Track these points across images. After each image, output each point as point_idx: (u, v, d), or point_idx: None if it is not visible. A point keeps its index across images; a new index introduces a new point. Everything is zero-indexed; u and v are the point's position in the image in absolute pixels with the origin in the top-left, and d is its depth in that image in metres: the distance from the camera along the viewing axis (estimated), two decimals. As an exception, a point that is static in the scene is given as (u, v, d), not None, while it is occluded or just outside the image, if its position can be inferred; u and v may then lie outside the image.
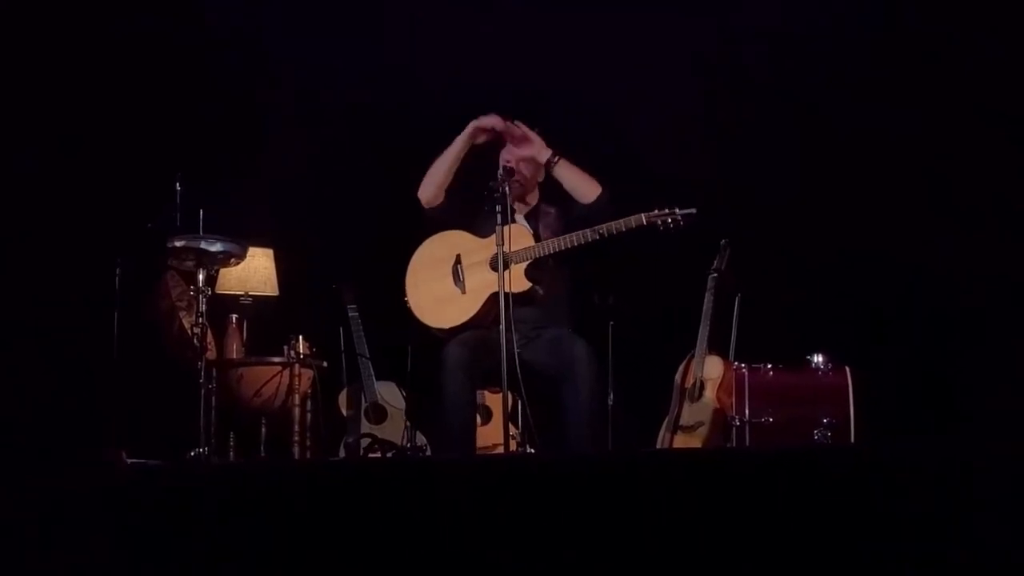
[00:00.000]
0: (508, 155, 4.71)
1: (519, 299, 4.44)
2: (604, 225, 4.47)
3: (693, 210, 4.46)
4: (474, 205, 4.65)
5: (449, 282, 4.67)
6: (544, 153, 4.66)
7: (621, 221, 4.48)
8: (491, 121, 4.68)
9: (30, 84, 5.45)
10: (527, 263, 4.54)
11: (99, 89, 5.54)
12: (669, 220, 4.44)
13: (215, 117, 5.75)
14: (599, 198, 4.59)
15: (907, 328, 5.44)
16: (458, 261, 4.67)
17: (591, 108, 5.69)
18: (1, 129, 5.36)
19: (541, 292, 4.58)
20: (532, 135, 4.67)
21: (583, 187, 4.62)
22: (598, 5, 5.61)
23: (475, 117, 4.72)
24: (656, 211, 4.46)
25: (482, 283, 4.59)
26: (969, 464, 2.87)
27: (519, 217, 4.70)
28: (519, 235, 4.53)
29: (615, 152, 5.48)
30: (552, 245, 4.54)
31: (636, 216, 4.47)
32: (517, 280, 4.46)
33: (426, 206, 4.75)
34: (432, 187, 4.72)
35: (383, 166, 5.82)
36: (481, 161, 4.76)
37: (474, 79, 5.57)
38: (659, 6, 5.53)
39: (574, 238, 4.50)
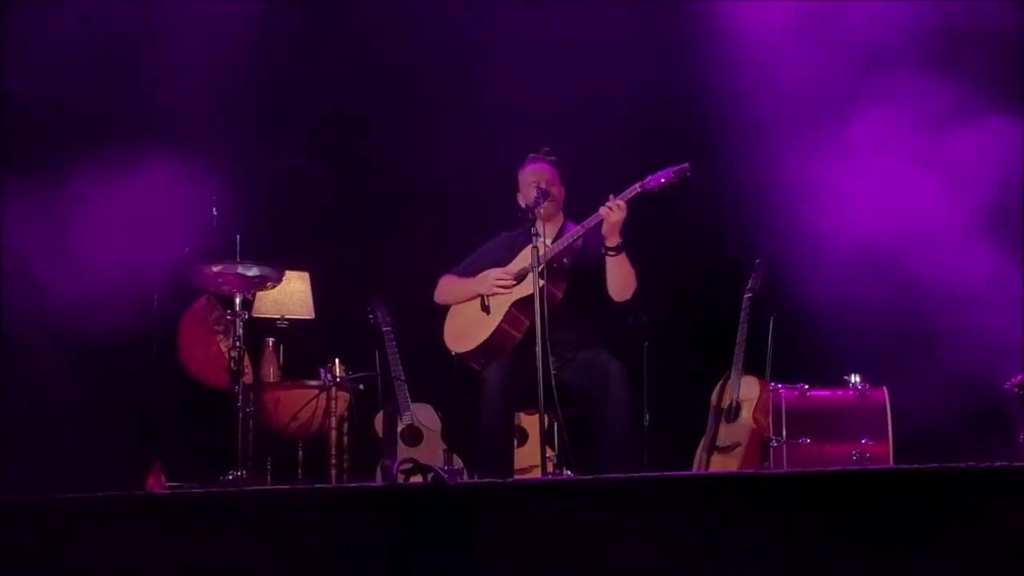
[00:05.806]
0: (537, 177, 4.73)
1: (552, 321, 4.41)
2: (615, 199, 4.43)
3: (686, 164, 4.42)
4: (502, 240, 4.77)
5: (476, 307, 4.73)
6: (614, 239, 4.52)
7: (624, 194, 4.45)
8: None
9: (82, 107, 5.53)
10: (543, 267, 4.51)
11: (142, 113, 5.61)
12: (663, 180, 4.42)
13: (249, 141, 5.80)
14: (632, 296, 4.59)
15: (945, 347, 5.39)
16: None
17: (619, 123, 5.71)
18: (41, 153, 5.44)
19: (559, 296, 4.57)
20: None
21: (622, 285, 4.57)
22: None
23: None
24: (649, 176, 4.44)
25: (505, 299, 4.64)
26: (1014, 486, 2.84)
27: (548, 241, 4.70)
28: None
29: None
30: (571, 237, 4.53)
31: (631, 187, 4.45)
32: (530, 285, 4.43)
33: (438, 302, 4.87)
34: (446, 301, 4.84)
35: (418, 190, 5.85)
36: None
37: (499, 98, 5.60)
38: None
39: (589, 222, 4.49)
